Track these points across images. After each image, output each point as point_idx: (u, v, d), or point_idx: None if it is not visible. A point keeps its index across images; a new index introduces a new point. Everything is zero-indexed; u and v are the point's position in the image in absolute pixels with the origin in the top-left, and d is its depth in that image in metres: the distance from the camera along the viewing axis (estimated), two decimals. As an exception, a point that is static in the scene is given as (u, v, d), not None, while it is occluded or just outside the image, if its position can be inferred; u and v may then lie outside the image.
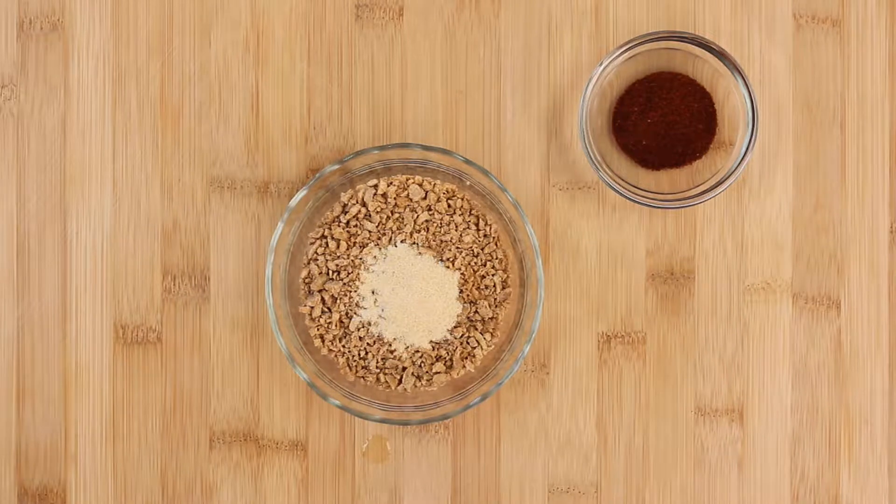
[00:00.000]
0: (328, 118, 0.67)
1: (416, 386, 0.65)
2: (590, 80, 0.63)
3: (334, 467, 0.68)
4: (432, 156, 0.64)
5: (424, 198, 0.65)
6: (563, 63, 0.67)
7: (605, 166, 0.64)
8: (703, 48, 0.63)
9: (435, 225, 0.65)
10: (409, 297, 0.64)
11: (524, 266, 0.65)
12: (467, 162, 0.63)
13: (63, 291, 0.67)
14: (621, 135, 0.66)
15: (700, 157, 0.66)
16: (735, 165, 0.63)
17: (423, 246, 0.65)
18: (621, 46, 0.63)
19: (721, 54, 0.63)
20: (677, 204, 0.63)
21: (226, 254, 0.67)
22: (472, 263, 0.65)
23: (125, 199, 0.67)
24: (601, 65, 0.63)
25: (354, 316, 0.65)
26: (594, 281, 0.67)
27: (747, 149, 0.63)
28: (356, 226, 0.65)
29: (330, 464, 0.68)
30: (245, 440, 0.67)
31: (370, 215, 0.65)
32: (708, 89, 0.66)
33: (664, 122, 0.65)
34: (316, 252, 0.65)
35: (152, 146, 0.67)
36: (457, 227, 0.65)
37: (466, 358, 0.65)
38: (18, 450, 0.68)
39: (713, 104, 0.65)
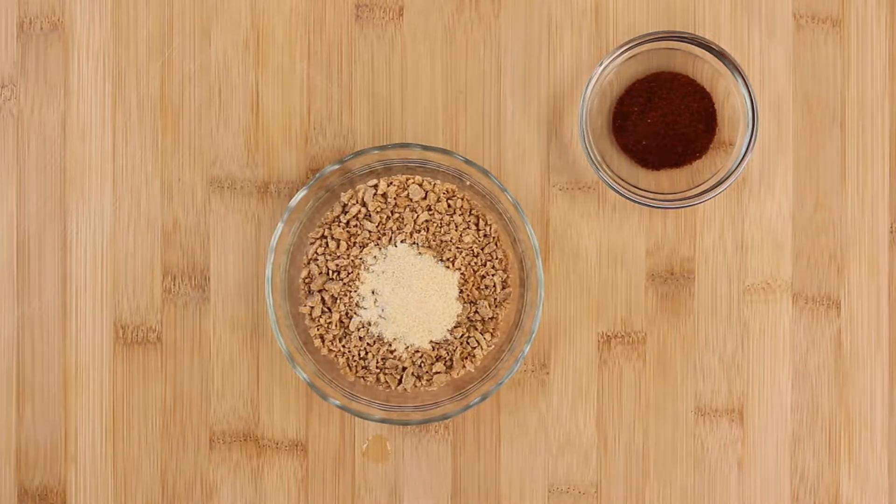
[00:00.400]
0: (328, 118, 0.67)
1: (416, 386, 0.65)
2: (590, 80, 0.63)
3: (334, 467, 0.68)
4: (432, 156, 0.64)
5: (424, 198, 0.65)
6: (563, 63, 0.67)
7: (605, 166, 0.64)
8: (703, 48, 0.63)
9: (435, 225, 0.65)
10: (409, 297, 0.64)
11: (524, 266, 0.65)
12: (467, 162, 0.63)
13: (63, 291, 0.67)
14: (621, 135, 0.66)
15: (700, 157, 0.66)
16: (735, 165, 0.63)
17: (423, 246, 0.65)
18: (621, 46, 0.63)
19: (721, 54, 0.63)
20: (677, 204, 0.63)
21: (226, 254, 0.67)
22: (472, 263, 0.65)
23: (125, 199, 0.67)
24: (601, 65, 0.63)
25: (354, 316, 0.65)
26: (594, 281, 0.67)
27: (747, 149, 0.63)
28: (356, 226, 0.65)
29: (330, 464, 0.68)
30: (245, 440, 0.67)
31: (370, 215, 0.65)
32: (708, 89, 0.66)
33: (664, 122, 0.65)
34: (316, 252, 0.65)
35: (152, 146, 0.67)
36: (457, 227, 0.65)
37: (466, 358, 0.65)
38: (18, 450, 0.68)
39: (713, 104, 0.65)
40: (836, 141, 0.67)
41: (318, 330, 0.65)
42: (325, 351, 0.65)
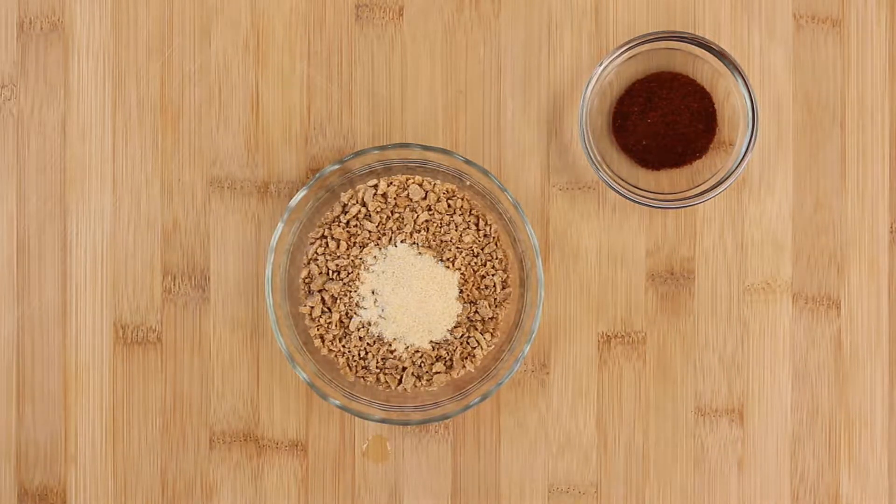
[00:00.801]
0: (328, 118, 0.67)
1: (416, 386, 0.65)
2: (590, 79, 0.63)
3: (334, 467, 0.68)
4: (432, 156, 0.64)
5: (424, 198, 0.65)
6: (563, 63, 0.67)
7: (605, 166, 0.64)
8: (703, 48, 0.63)
9: (435, 225, 0.65)
10: (409, 297, 0.64)
11: (524, 266, 0.65)
12: (467, 162, 0.63)
13: (63, 291, 0.67)
14: (621, 135, 0.66)
15: (700, 157, 0.66)
16: (735, 165, 0.63)
17: (423, 246, 0.65)
18: (621, 46, 0.63)
19: (721, 54, 0.63)
20: (677, 204, 0.63)
21: (226, 254, 0.67)
22: (472, 263, 0.65)
23: (125, 199, 0.67)
24: (601, 65, 0.63)
25: (354, 316, 0.65)
26: (594, 281, 0.67)
27: (747, 149, 0.63)
28: (356, 226, 0.65)
29: (330, 464, 0.68)
30: (245, 440, 0.67)
31: (370, 215, 0.65)
32: (708, 89, 0.66)
33: (664, 122, 0.64)
34: (316, 252, 0.65)
35: (152, 146, 0.67)
36: (457, 227, 0.65)
37: (466, 358, 0.65)
38: (18, 450, 0.68)
39: (713, 104, 0.65)
40: (836, 141, 0.67)
41: (318, 330, 0.65)
42: (325, 351, 0.65)
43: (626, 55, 0.64)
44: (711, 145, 0.66)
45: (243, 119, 0.67)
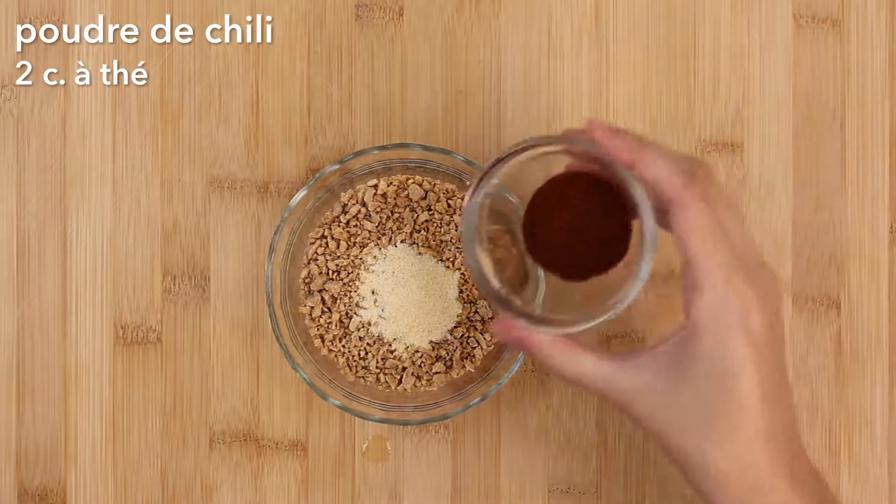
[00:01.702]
0: (328, 118, 0.67)
1: (416, 386, 0.65)
2: (476, 191, 0.50)
3: (334, 467, 0.68)
4: (432, 156, 0.64)
5: (424, 198, 0.65)
6: (563, 63, 0.67)
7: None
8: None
9: (435, 225, 0.65)
10: (409, 297, 0.64)
11: (524, 266, 0.65)
12: (467, 162, 0.63)
13: (63, 291, 0.67)
14: (535, 250, 0.52)
15: (624, 255, 0.51)
16: (631, 289, 0.48)
17: (423, 246, 0.65)
18: (502, 156, 0.50)
19: (610, 164, 0.48)
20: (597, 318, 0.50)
21: (226, 254, 0.67)
22: (472, 263, 0.65)
23: (125, 199, 0.67)
24: (488, 174, 0.50)
25: (354, 316, 0.65)
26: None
27: (642, 272, 0.48)
28: (356, 226, 0.65)
29: (330, 464, 0.68)
30: (245, 440, 0.67)
31: (370, 215, 0.65)
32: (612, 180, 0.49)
33: (573, 227, 0.51)
34: (316, 252, 0.65)
35: (152, 146, 0.67)
36: (457, 227, 0.65)
37: (466, 358, 0.65)
38: (18, 450, 0.68)
39: (623, 197, 0.49)
40: (836, 141, 0.67)
41: (318, 330, 0.65)
42: (325, 351, 0.65)
43: (517, 158, 0.50)
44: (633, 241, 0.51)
45: (243, 119, 0.67)
